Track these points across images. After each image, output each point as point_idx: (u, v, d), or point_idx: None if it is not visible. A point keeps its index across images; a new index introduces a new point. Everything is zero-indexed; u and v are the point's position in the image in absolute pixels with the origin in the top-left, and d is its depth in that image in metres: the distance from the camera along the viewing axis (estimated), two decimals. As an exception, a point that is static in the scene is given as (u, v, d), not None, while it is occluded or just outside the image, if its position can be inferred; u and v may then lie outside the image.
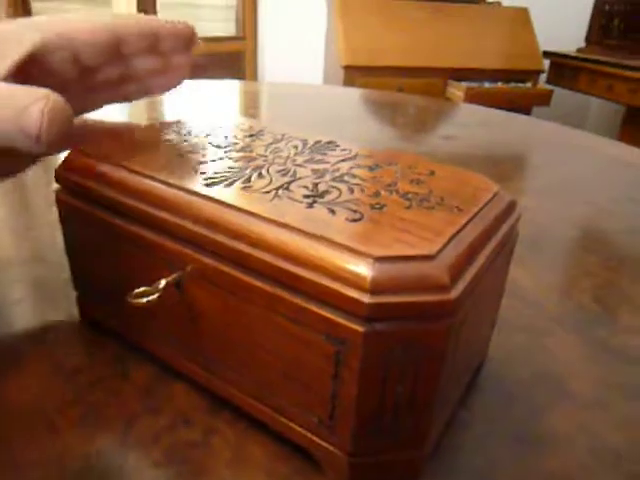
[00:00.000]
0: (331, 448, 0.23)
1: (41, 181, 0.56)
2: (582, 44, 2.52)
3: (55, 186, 0.30)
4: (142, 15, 0.34)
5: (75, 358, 0.31)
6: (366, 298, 0.19)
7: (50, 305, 0.35)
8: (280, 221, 0.22)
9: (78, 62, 0.31)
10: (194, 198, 0.24)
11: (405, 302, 0.20)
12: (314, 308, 0.21)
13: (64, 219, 0.30)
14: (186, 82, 0.36)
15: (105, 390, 0.28)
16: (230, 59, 2.66)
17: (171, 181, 0.25)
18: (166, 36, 0.33)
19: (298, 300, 0.21)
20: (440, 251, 0.21)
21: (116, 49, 0.32)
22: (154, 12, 2.23)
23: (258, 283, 0.22)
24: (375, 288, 0.19)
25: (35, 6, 2.04)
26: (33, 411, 0.27)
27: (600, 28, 2.37)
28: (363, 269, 0.19)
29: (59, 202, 0.30)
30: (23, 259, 0.41)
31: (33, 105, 0.24)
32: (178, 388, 0.29)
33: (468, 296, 0.21)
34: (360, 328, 0.20)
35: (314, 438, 0.24)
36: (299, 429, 0.24)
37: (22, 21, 0.30)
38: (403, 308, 0.20)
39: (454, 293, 0.20)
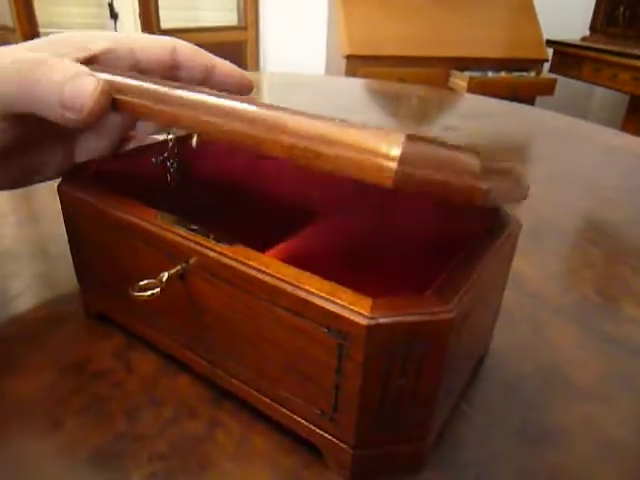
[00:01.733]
0: (334, 440, 0.23)
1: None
2: (586, 33, 2.50)
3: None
4: (202, 50, 0.36)
5: (78, 351, 0.31)
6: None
7: (53, 298, 0.35)
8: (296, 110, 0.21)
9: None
10: None
11: (433, 180, 0.18)
12: (316, 301, 0.21)
13: (66, 211, 0.30)
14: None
15: (109, 383, 0.28)
16: (231, 49, 2.65)
17: None
18: (220, 74, 0.36)
19: (300, 293, 0.21)
20: None
21: (171, 71, 0.34)
22: (156, 2, 2.22)
23: (260, 276, 0.22)
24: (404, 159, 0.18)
25: (38, 7, 2.05)
26: (36, 405, 0.27)
27: (605, 16, 2.35)
28: (392, 145, 0.18)
29: (61, 194, 0.30)
30: (26, 252, 0.41)
31: (86, 77, 0.26)
32: (182, 380, 0.29)
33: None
34: (363, 321, 0.20)
35: (317, 430, 0.24)
36: (302, 421, 0.24)
37: (90, 32, 0.32)
38: (430, 184, 0.19)
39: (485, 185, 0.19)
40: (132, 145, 0.38)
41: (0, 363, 0.30)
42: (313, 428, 0.24)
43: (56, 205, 0.30)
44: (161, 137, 0.41)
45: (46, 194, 0.51)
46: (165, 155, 0.37)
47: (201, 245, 0.24)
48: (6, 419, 0.26)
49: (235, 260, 0.23)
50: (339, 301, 0.20)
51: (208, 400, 0.28)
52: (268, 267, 0.22)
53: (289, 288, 0.21)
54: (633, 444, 0.27)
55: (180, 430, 0.26)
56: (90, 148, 0.34)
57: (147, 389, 0.28)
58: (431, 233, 0.34)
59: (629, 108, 2.28)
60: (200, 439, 0.26)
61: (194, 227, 0.25)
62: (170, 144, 0.37)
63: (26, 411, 0.27)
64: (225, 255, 0.23)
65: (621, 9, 2.24)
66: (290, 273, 0.22)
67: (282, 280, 0.22)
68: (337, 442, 0.23)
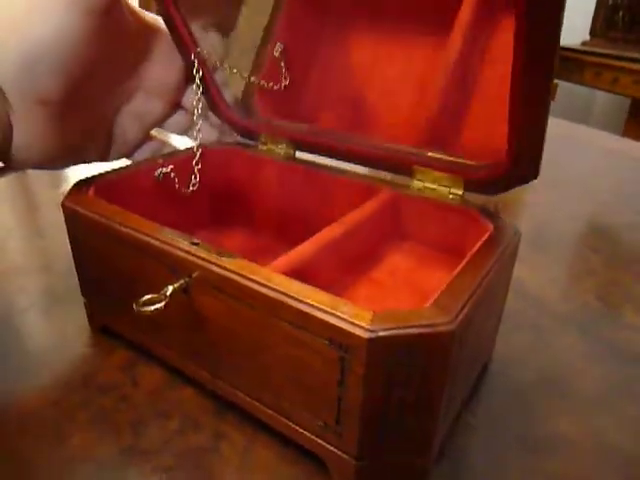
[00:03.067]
0: (337, 451, 0.24)
1: (47, 183, 0.56)
2: (586, 37, 2.50)
3: (62, 193, 0.30)
4: None
5: (84, 365, 0.31)
6: None
7: (59, 312, 0.36)
8: None
9: None
10: None
11: None
12: (317, 314, 0.21)
13: (71, 226, 0.31)
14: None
15: (115, 396, 0.29)
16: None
17: None
18: None
19: (302, 306, 0.21)
20: None
21: None
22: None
23: (262, 290, 0.22)
24: None
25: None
26: (44, 419, 0.27)
27: (604, 21, 2.35)
28: None
29: (65, 210, 0.30)
30: (31, 267, 0.42)
31: None
32: (187, 392, 0.29)
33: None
34: (364, 334, 0.20)
35: (320, 442, 0.24)
36: (306, 433, 0.25)
37: None
38: None
39: None
40: (151, 147, 0.39)
41: (7, 378, 0.30)
42: (316, 440, 0.24)
43: (60, 218, 0.31)
44: (179, 138, 0.42)
45: (50, 207, 0.51)
46: (170, 168, 0.37)
47: (203, 259, 0.24)
48: (14, 433, 0.26)
49: (237, 274, 0.23)
50: (340, 314, 0.21)
51: (212, 412, 0.28)
52: (270, 281, 0.23)
53: (291, 302, 0.22)
54: (634, 450, 0.27)
55: (185, 442, 0.26)
56: (124, 133, 0.36)
57: (152, 402, 0.28)
58: (431, 243, 0.35)
59: (631, 112, 2.28)
60: (205, 451, 0.26)
61: (196, 241, 0.26)
62: (197, 154, 0.38)
63: (33, 425, 0.27)
64: (227, 269, 0.24)
65: (620, 13, 2.25)
66: (292, 287, 0.22)
67: (284, 294, 0.22)
68: (340, 454, 0.24)
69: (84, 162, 0.35)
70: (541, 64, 0.22)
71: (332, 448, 0.24)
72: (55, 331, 0.34)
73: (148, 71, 0.37)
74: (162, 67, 0.37)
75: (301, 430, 0.25)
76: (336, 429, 0.23)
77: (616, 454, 0.27)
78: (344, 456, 0.23)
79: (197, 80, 0.37)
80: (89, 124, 0.34)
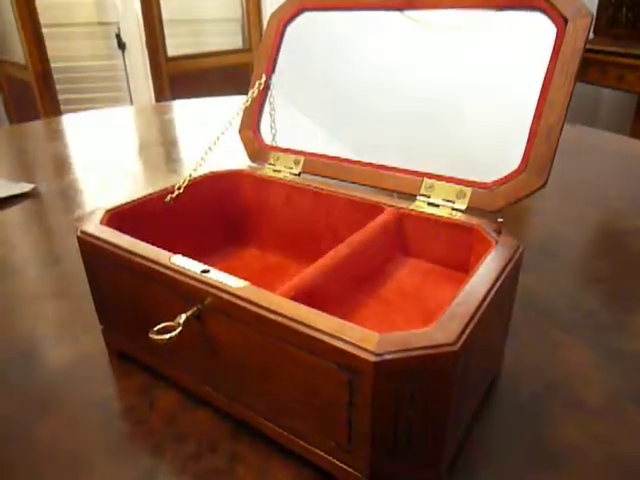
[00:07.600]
0: (350, 470, 0.24)
1: (61, 209, 0.58)
2: (591, 35, 2.50)
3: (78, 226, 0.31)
4: None
5: (102, 389, 0.32)
6: None
7: (77, 338, 0.37)
8: None
9: None
10: None
11: None
12: (325, 339, 0.22)
13: (86, 257, 0.32)
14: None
15: (133, 420, 0.30)
16: (237, 71, 2.69)
17: None
18: None
19: (309, 331, 0.22)
20: None
21: None
22: (161, 28, 2.26)
23: (272, 316, 0.23)
24: None
25: (48, 43, 2.10)
26: (63, 445, 0.28)
27: (608, 18, 2.35)
28: None
29: (80, 241, 0.31)
30: (49, 293, 0.43)
31: None
32: (202, 415, 0.30)
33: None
34: (370, 358, 0.21)
35: (334, 461, 0.25)
36: (319, 452, 0.25)
37: None
38: None
39: None
40: None
41: (25, 403, 0.31)
42: (330, 459, 0.25)
43: (75, 244, 0.32)
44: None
45: (65, 233, 0.52)
46: (178, 192, 0.38)
47: (214, 287, 0.25)
48: (36, 464, 0.27)
49: (246, 301, 0.24)
50: (347, 338, 0.21)
51: (228, 434, 0.29)
52: (278, 307, 0.23)
53: (299, 327, 0.22)
54: (646, 460, 0.27)
55: (203, 465, 0.27)
56: None
57: (169, 425, 0.29)
58: (436, 259, 0.35)
59: (638, 108, 2.27)
60: (222, 473, 0.26)
61: (207, 268, 0.27)
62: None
63: (52, 454, 0.28)
64: (237, 296, 0.24)
65: (624, 10, 2.24)
66: (299, 312, 0.23)
67: (292, 319, 0.23)
68: (354, 472, 0.24)
69: None
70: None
71: (345, 467, 0.24)
72: (74, 356, 0.35)
73: None
74: None
75: (315, 450, 0.25)
76: (348, 448, 0.24)
77: (628, 464, 0.27)
78: (357, 474, 0.24)
79: (255, 87, 0.44)
80: None
